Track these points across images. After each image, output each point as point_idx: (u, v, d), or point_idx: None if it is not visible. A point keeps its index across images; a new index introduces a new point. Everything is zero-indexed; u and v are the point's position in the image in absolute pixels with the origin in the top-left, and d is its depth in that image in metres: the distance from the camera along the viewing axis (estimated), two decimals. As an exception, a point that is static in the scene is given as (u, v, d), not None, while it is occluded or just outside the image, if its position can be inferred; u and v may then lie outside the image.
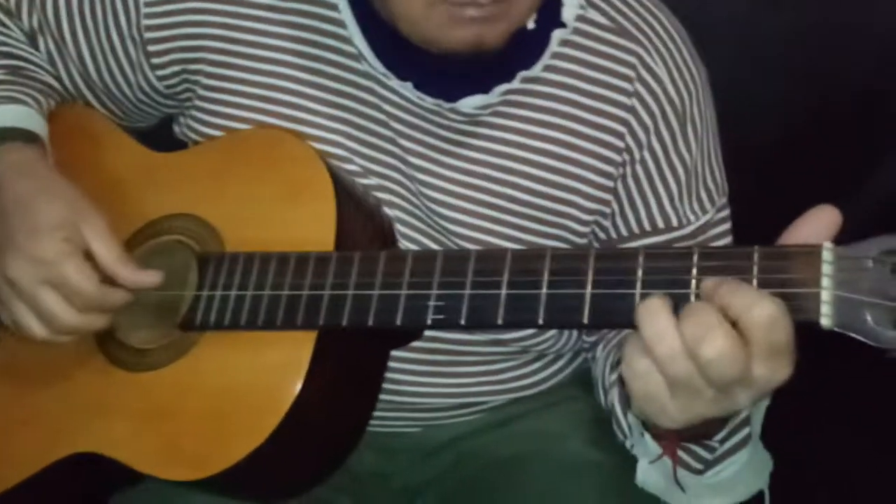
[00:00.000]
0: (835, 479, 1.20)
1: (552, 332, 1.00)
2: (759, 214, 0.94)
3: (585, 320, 0.73)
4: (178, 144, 1.03)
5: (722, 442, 0.84)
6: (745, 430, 0.85)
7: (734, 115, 1.00)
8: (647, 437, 0.82)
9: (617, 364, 0.90)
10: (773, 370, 0.66)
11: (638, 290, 0.71)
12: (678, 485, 0.84)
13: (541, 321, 0.75)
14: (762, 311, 0.65)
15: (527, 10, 0.86)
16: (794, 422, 0.91)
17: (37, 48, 1.03)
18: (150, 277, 0.89)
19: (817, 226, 0.68)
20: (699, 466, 0.84)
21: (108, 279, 0.88)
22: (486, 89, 0.92)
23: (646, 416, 0.72)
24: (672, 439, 0.81)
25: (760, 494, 0.88)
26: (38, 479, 0.93)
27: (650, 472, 0.85)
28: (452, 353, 0.99)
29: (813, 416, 1.12)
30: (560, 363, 1.06)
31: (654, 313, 0.67)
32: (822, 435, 1.19)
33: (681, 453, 0.84)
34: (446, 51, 0.86)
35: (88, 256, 0.88)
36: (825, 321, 0.67)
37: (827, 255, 0.67)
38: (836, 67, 1.32)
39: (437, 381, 1.01)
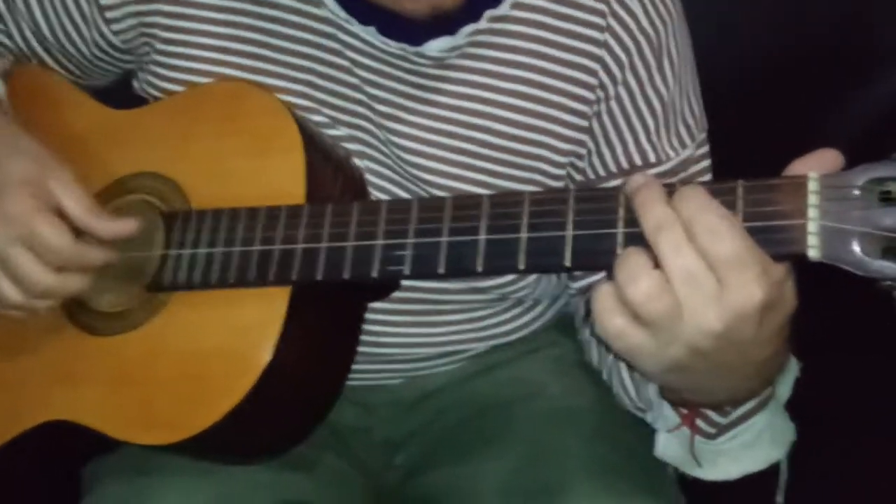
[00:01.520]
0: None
1: (531, 278, 0.99)
2: (738, 151, 0.93)
3: (567, 263, 0.71)
4: (137, 100, 0.99)
5: (736, 406, 0.80)
6: (764, 394, 0.79)
7: (709, 48, 0.98)
8: (666, 405, 0.81)
9: None
10: (739, 286, 0.64)
11: (620, 230, 0.70)
12: (694, 458, 0.82)
13: (521, 266, 0.73)
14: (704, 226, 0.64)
15: None
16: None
17: None
18: (124, 226, 0.86)
19: (814, 167, 0.66)
20: (712, 431, 0.81)
21: (81, 234, 0.85)
22: (452, 31, 0.89)
23: (642, 371, 0.71)
24: (692, 409, 0.80)
25: (777, 466, 0.84)
26: (9, 449, 0.91)
27: (670, 443, 0.83)
28: (431, 301, 0.98)
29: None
30: (539, 308, 1.05)
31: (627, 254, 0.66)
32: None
33: (696, 420, 0.82)
34: (406, 13, 0.84)
35: (60, 213, 0.85)
36: (812, 252, 0.65)
37: (812, 184, 0.66)
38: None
39: (417, 332, 0.99)
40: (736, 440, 0.81)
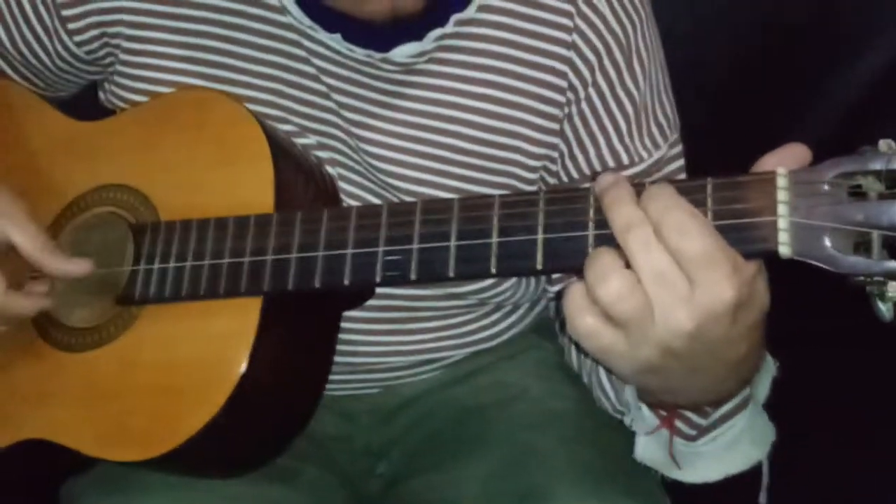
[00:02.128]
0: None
1: (510, 283, 0.98)
2: (711, 148, 0.92)
3: (539, 265, 0.71)
4: (103, 112, 0.98)
5: (716, 407, 0.80)
6: (743, 394, 0.79)
7: (680, 45, 0.97)
8: (644, 408, 0.80)
9: None
10: (709, 285, 0.64)
11: (591, 231, 0.69)
12: (674, 460, 0.81)
13: (493, 270, 0.72)
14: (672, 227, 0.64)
15: None
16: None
17: None
18: (78, 266, 0.85)
19: (783, 161, 0.66)
20: (692, 433, 0.81)
21: (36, 271, 0.85)
22: (418, 36, 0.88)
23: (616, 372, 0.70)
24: (670, 410, 0.79)
25: (759, 467, 0.83)
26: (-19, 470, 0.89)
27: (649, 446, 0.83)
28: (408, 309, 0.97)
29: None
30: (519, 312, 1.04)
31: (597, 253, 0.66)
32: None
33: (676, 422, 0.81)
34: (367, 16, 0.83)
35: (12, 249, 0.84)
36: (784, 249, 0.65)
37: (782, 181, 0.65)
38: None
39: (395, 340, 0.98)
40: (716, 442, 0.81)
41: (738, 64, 1.27)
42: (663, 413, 0.80)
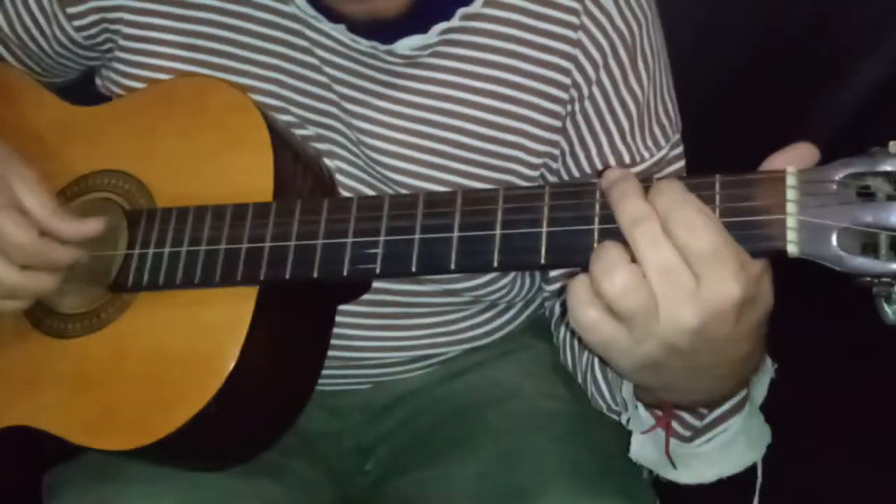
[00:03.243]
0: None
1: (505, 281, 0.97)
2: (713, 150, 0.92)
3: (543, 260, 0.70)
4: (100, 99, 0.97)
5: (712, 408, 0.79)
6: (739, 396, 0.78)
7: (684, 48, 0.97)
8: (641, 407, 0.80)
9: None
10: (715, 282, 0.63)
11: (596, 226, 0.69)
12: (669, 460, 0.81)
13: (496, 264, 0.72)
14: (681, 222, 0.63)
15: None
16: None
17: None
18: (88, 226, 0.84)
19: (791, 161, 0.65)
20: (687, 434, 0.80)
21: (45, 235, 0.83)
22: (423, 29, 0.88)
23: (615, 368, 0.70)
24: (667, 409, 0.79)
25: (754, 468, 0.83)
26: (-33, 457, 0.88)
27: (645, 445, 0.82)
28: (403, 304, 0.96)
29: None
30: (512, 311, 1.03)
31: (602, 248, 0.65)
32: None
33: (672, 421, 0.80)
34: (345, 15, 0.83)
35: (23, 213, 0.82)
36: (792, 248, 0.64)
37: (791, 179, 0.65)
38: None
39: (389, 335, 0.98)
40: (712, 443, 0.80)
41: (745, 63, 1.28)
42: (659, 413, 0.79)
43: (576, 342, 0.95)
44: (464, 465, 0.94)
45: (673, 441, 0.81)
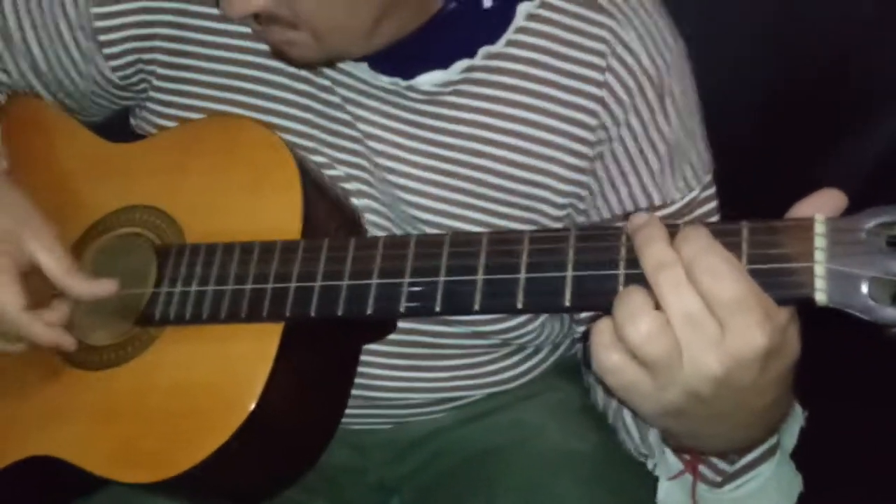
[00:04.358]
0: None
1: (536, 323, 0.97)
2: (744, 194, 0.91)
3: (567, 303, 0.70)
4: (135, 138, 0.98)
5: (741, 454, 0.78)
6: (769, 443, 0.78)
7: (713, 90, 0.97)
8: (668, 451, 0.79)
9: None
10: (740, 331, 0.62)
11: (622, 270, 0.68)
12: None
13: (520, 305, 0.71)
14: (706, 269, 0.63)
15: (326, 29, 0.82)
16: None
17: None
18: (102, 287, 0.85)
19: (819, 208, 0.65)
20: (717, 479, 0.79)
21: (59, 292, 0.85)
22: (444, 65, 0.88)
23: (638, 413, 0.69)
24: (694, 455, 0.78)
25: None
26: (-8, 488, 0.88)
27: (672, 491, 0.81)
28: (430, 345, 0.96)
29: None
30: (541, 355, 1.03)
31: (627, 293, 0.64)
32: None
33: (700, 467, 0.79)
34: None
35: (37, 270, 0.84)
36: (820, 296, 0.63)
37: (819, 227, 0.64)
38: (805, 37, 1.29)
39: (414, 376, 0.97)
40: (742, 489, 0.79)
41: (774, 107, 1.27)
42: (687, 457, 0.78)
43: None
44: None
45: (701, 486, 0.80)
